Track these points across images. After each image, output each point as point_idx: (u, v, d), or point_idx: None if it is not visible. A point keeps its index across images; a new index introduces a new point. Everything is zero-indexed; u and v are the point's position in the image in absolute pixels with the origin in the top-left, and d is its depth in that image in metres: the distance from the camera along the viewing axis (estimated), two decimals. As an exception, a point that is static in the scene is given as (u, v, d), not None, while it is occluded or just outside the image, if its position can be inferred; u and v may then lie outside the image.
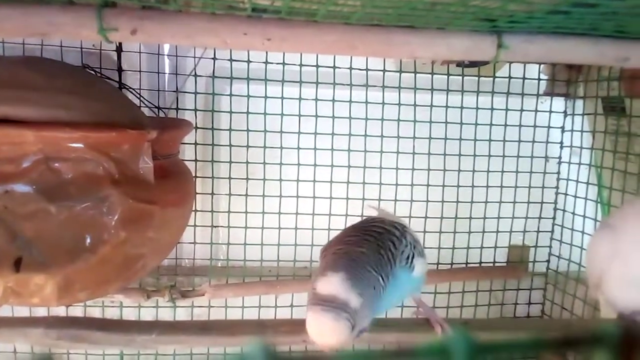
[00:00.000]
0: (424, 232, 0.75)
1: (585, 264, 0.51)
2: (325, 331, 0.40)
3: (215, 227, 0.74)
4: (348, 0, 0.31)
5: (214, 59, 0.68)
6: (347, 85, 0.71)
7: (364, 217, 0.56)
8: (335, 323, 0.40)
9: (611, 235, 0.47)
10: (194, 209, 0.68)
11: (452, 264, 0.76)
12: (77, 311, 0.71)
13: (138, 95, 0.67)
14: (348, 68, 0.70)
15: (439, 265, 0.77)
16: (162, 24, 0.36)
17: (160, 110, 0.69)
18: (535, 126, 0.76)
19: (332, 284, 0.41)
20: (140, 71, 0.68)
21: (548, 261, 0.81)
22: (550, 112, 0.77)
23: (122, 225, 0.46)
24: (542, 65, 0.75)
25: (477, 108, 0.74)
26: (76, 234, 0.46)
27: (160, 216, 0.49)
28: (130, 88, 0.67)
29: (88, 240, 0.46)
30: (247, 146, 0.71)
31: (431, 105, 0.73)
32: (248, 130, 0.71)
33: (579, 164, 0.76)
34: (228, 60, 0.68)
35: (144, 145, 0.48)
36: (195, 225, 0.72)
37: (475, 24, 0.38)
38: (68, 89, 0.47)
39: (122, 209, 0.46)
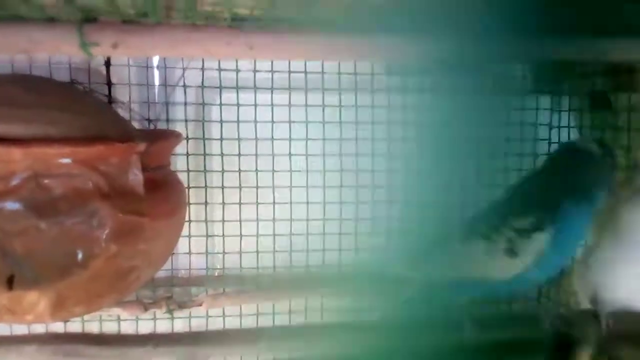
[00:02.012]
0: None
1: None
2: None
3: (210, 236, 0.74)
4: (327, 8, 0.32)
5: (202, 69, 0.68)
6: (336, 90, 0.71)
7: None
8: None
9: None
10: (188, 219, 0.68)
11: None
12: (75, 326, 0.70)
13: (128, 109, 0.67)
14: (337, 73, 0.70)
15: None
16: (143, 37, 0.36)
17: (150, 122, 0.69)
18: (522, 124, 0.76)
19: None
20: (129, 84, 0.69)
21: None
22: (537, 109, 0.77)
23: (113, 238, 0.46)
24: (527, 63, 0.75)
25: (465, 108, 0.74)
26: (67, 249, 0.46)
27: (151, 228, 0.49)
28: (120, 102, 0.67)
29: (79, 255, 0.46)
30: (239, 155, 0.72)
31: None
32: (239, 139, 0.71)
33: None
34: (216, 69, 0.68)
35: (133, 158, 0.48)
36: (190, 236, 0.72)
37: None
38: (56, 105, 0.47)
39: (113, 222, 0.46)
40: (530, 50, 0.41)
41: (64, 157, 0.45)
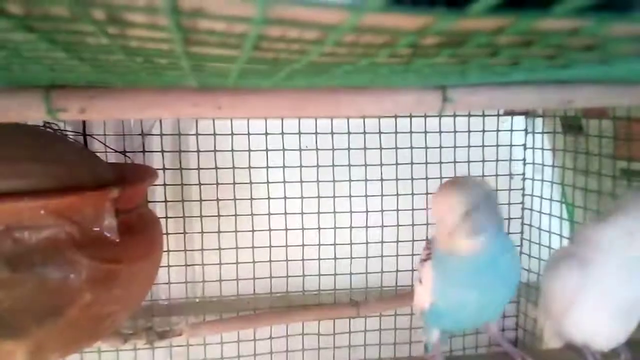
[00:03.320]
0: (397, 255, 0.77)
1: (546, 293, 0.51)
2: (449, 196, 0.43)
3: (189, 265, 0.74)
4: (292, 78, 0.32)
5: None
6: (312, 117, 0.72)
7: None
8: (459, 191, 0.43)
9: (580, 266, 0.47)
10: (166, 249, 0.69)
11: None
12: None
13: (103, 142, 0.67)
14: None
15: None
16: (111, 101, 0.36)
17: (127, 155, 0.69)
18: (497, 145, 0.77)
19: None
20: (104, 116, 0.68)
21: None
22: (512, 130, 0.78)
23: (88, 287, 0.47)
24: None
25: (440, 132, 0.75)
26: (43, 299, 0.46)
27: (126, 273, 0.50)
28: (95, 135, 0.67)
29: (55, 305, 0.46)
30: (217, 183, 0.72)
31: (396, 132, 0.74)
32: (217, 168, 0.71)
33: (542, 180, 0.77)
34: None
35: (107, 205, 0.48)
36: (169, 266, 0.72)
37: (420, 81, 0.39)
38: (25, 156, 0.47)
39: (87, 271, 0.46)
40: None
41: (35, 210, 0.45)
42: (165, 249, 0.65)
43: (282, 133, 0.72)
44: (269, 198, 0.73)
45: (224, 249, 0.73)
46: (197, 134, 0.71)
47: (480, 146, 0.77)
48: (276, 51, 0.20)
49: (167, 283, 0.73)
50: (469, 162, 0.77)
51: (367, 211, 0.75)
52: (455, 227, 0.43)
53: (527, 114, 0.79)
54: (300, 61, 0.22)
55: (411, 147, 0.75)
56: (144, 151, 0.70)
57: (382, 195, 0.76)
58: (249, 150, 0.72)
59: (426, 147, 0.76)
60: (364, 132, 0.74)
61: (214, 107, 0.38)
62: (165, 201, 0.71)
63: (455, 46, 0.18)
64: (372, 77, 0.33)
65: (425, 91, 0.40)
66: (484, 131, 0.77)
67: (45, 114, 0.36)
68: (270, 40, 0.18)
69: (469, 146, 0.77)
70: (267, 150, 0.72)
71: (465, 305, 0.48)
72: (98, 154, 0.59)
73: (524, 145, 0.80)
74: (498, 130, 0.78)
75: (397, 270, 0.78)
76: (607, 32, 0.18)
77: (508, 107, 0.43)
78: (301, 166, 0.73)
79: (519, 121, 0.79)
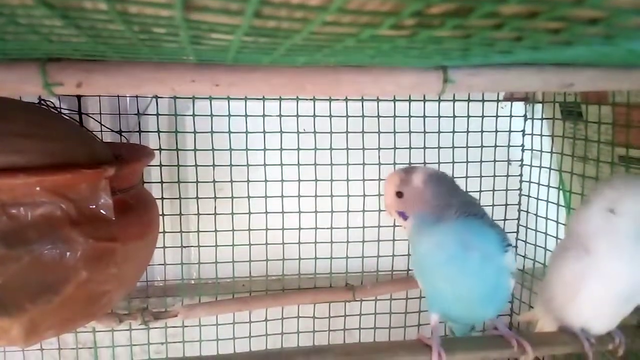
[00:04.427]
0: (394, 240, 0.77)
1: (551, 283, 0.52)
2: (388, 178, 0.51)
3: (185, 247, 0.74)
4: (292, 53, 0.31)
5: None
6: (311, 99, 0.71)
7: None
8: (395, 174, 0.50)
9: (585, 255, 0.48)
10: (162, 230, 0.68)
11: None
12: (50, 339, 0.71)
13: (99, 121, 0.67)
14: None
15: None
16: (107, 76, 0.36)
17: (122, 135, 0.69)
18: (496, 131, 0.77)
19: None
20: (100, 96, 0.68)
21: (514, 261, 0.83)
22: (511, 116, 0.78)
23: (83, 265, 0.46)
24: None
25: (439, 116, 0.75)
26: (38, 276, 0.46)
27: (122, 252, 0.49)
28: (90, 114, 0.67)
29: (50, 282, 0.46)
30: (213, 165, 0.71)
31: (395, 116, 0.74)
32: (213, 150, 0.71)
33: (540, 167, 0.77)
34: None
35: (102, 183, 0.48)
36: (164, 247, 0.72)
37: (421, 61, 0.38)
38: (21, 132, 0.46)
39: (83, 249, 0.46)
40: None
41: (31, 186, 0.44)
42: (161, 230, 0.65)
43: (280, 115, 0.71)
44: (265, 180, 0.73)
45: (220, 231, 0.73)
46: (193, 115, 0.70)
47: (479, 132, 0.77)
48: (278, 19, 0.19)
49: (162, 264, 0.73)
50: (467, 147, 0.77)
51: (364, 195, 0.75)
52: (387, 207, 0.51)
53: (526, 99, 0.79)
54: (302, 31, 0.21)
55: (409, 132, 0.75)
56: (139, 131, 0.69)
57: (379, 180, 0.75)
58: (246, 132, 0.71)
59: (424, 132, 0.75)
60: (362, 116, 0.73)
61: (212, 84, 0.37)
62: (161, 182, 0.70)
63: (460, 16, 0.18)
64: (373, 54, 0.33)
65: (426, 72, 0.40)
66: (483, 116, 0.76)
67: (41, 87, 0.35)
68: (273, 6, 0.17)
69: (467, 131, 0.76)
70: (264, 132, 0.72)
71: (441, 292, 0.49)
72: (94, 133, 0.59)
73: (523, 131, 0.79)
74: (497, 116, 0.77)
75: (394, 255, 0.78)
76: (612, 2, 0.18)
77: (509, 89, 0.43)
78: (299, 149, 0.72)
79: (519, 107, 0.79)
